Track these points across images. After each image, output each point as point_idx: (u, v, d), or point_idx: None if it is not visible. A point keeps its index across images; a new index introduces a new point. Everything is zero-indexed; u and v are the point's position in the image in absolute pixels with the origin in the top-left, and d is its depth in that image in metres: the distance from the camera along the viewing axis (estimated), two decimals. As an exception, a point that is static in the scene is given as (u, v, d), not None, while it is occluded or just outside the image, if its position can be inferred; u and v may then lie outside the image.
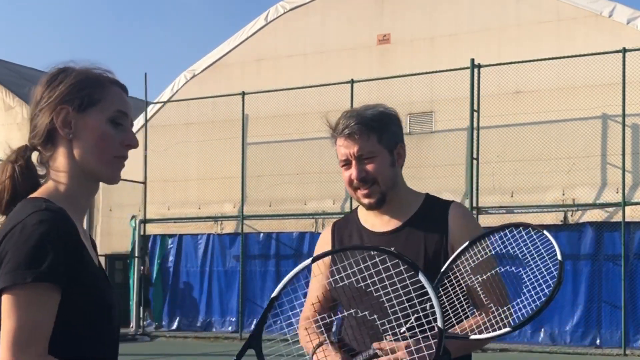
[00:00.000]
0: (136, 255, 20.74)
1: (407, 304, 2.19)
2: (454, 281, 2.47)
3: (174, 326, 20.24)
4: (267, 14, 20.39)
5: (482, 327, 2.42)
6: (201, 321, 19.86)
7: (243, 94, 19.39)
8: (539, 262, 2.43)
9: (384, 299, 2.23)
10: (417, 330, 2.24)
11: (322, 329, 2.55)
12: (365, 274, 2.20)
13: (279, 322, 1.97)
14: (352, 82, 17.92)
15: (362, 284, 2.23)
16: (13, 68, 26.12)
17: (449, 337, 2.38)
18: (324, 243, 2.78)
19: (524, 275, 2.44)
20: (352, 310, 2.47)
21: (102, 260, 21.22)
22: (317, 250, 2.72)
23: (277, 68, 19.96)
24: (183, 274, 20.44)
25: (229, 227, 19.84)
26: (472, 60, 16.60)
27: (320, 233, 3.65)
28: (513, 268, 2.63)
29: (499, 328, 2.40)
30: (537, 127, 16.54)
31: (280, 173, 19.11)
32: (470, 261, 2.48)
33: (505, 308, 2.46)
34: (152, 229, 20.74)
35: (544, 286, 2.37)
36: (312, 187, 18.49)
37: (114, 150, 1.87)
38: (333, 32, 19.41)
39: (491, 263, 2.52)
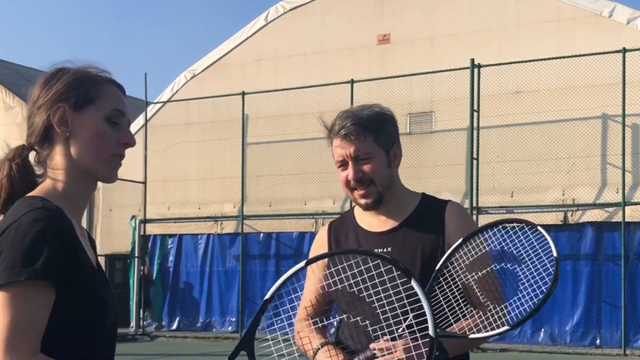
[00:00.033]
0: (136, 255, 20.74)
1: (399, 311, 2.17)
2: (449, 279, 2.47)
3: (174, 326, 20.24)
4: (267, 14, 20.39)
5: (481, 326, 2.41)
6: (201, 321, 19.86)
7: (243, 94, 19.39)
8: (534, 259, 2.43)
9: (376, 304, 2.22)
10: (408, 338, 2.23)
11: (321, 330, 2.55)
12: (359, 278, 2.19)
13: (272, 323, 1.96)
14: (352, 82, 17.92)
15: (354, 289, 2.21)
16: (13, 68, 26.12)
17: (447, 336, 2.38)
18: (321, 243, 2.78)
19: (520, 273, 2.44)
20: (345, 315, 2.46)
21: (102, 260, 21.21)
22: (313, 251, 2.71)
23: (277, 68, 19.96)
24: (183, 274, 20.44)
25: (229, 227, 19.85)
26: (472, 60, 16.60)
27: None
28: (508, 265, 2.63)
29: (497, 326, 2.40)
30: (537, 127, 16.54)
31: (280, 173, 19.11)
32: (465, 258, 2.48)
33: (502, 306, 2.46)
34: (152, 229, 20.74)
35: (540, 283, 2.37)
36: (312, 187, 18.49)
37: (110, 149, 1.87)
38: (333, 32, 19.41)
39: (486, 260, 2.52)
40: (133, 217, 21.02)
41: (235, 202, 19.72)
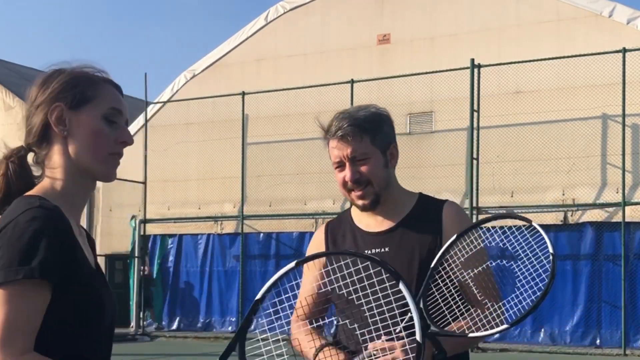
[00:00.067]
0: (136, 255, 20.75)
1: (387, 314, 2.15)
2: (445, 277, 2.46)
3: (174, 326, 20.24)
4: (267, 14, 20.40)
5: (479, 324, 2.41)
6: (201, 321, 19.86)
7: (243, 94, 19.40)
8: (531, 257, 2.43)
9: (364, 307, 2.21)
10: (406, 339, 2.23)
11: (318, 331, 2.55)
12: (348, 280, 2.17)
13: (264, 324, 1.95)
14: (352, 82, 17.92)
15: (344, 290, 2.20)
16: (13, 68, 26.12)
17: (446, 335, 2.38)
18: (318, 243, 2.78)
19: (517, 270, 2.44)
20: (334, 318, 2.46)
21: (102, 260, 21.21)
22: (310, 251, 2.71)
23: (277, 68, 19.96)
24: (183, 274, 20.44)
25: (229, 227, 19.85)
26: (472, 60, 16.60)
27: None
28: (504, 262, 2.63)
29: (496, 325, 2.40)
30: (537, 127, 16.55)
31: (280, 173, 19.11)
32: (460, 255, 2.48)
33: (500, 304, 2.46)
34: (152, 229, 20.74)
35: (537, 280, 2.37)
36: (312, 187, 18.49)
37: (108, 147, 1.88)
38: (333, 32, 19.41)
39: (482, 257, 2.52)
40: (133, 217, 21.02)
41: (235, 202, 19.72)
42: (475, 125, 16.53)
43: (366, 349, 2.25)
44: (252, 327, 1.81)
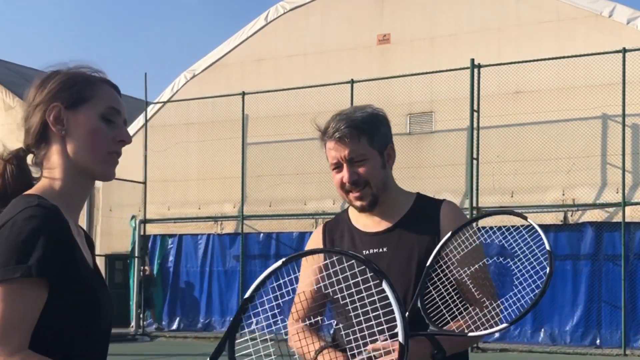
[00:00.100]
0: (136, 255, 20.75)
1: (371, 314, 2.12)
2: (442, 275, 2.46)
3: (174, 326, 20.24)
4: (267, 14, 20.40)
5: (479, 323, 2.41)
6: (201, 321, 19.87)
7: (243, 94, 19.39)
8: (529, 255, 2.43)
9: (349, 307, 2.20)
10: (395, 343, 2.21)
11: (315, 331, 2.54)
12: (334, 279, 2.15)
13: (253, 323, 1.94)
14: (352, 82, 17.92)
15: (330, 290, 2.18)
16: (13, 68, 26.14)
17: (445, 334, 2.38)
18: (315, 244, 2.77)
19: (514, 268, 2.44)
20: (336, 318, 2.45)
21: (102, 260, 21.22)
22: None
23: (277, 68, 19.96)
24: (183, 274, 20.45)
25: (229, 227, 19.85)
26: (472, 60, 16.60)
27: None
28: (501, 259, 2.63)
29: (496, 323, 2.40)
30: (537, 127, 16.55)
31: (280, 173, 19.11)
32: (456, 252, 2.48)
33: (499, 302, 2.46)
34: (152, 229, 20.74)
35: (535, 277, 2.37)
36: (312, 187, 18.49)
37: (106, 146, 1.88)
38: (333, 32, 19.41)
39: (478, 254, 2.51)
40: (133, 217, 21.02)
41: (235, 202, 19.72)
42: (475, 125, 16.53)
43: (366, 350, 2.24)
44: (243, 326, 1.80)
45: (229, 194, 19.80)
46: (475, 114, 16.54)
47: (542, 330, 16.26)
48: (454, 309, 2.46)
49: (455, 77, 16.99)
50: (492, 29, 17.70)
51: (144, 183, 20.38)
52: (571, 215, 16.31)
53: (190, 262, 20.35)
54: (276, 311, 2.01)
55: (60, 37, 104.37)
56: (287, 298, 2.00)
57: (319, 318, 2.60)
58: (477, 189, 16.51)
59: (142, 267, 20.42)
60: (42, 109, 1.87)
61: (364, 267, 1.79)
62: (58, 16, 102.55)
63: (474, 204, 16.36)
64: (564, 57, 15.89)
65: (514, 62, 16.29)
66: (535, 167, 16.47)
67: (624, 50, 15.45)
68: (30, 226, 1.70)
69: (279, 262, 1.82)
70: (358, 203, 2.63)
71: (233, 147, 19.53)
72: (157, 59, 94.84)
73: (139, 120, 21.11)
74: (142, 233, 20.63)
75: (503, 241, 2.49)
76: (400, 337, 1.71)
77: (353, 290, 2.10)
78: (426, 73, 17.17)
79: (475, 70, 16.61)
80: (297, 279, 2.02)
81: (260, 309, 1.91)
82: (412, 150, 16.62)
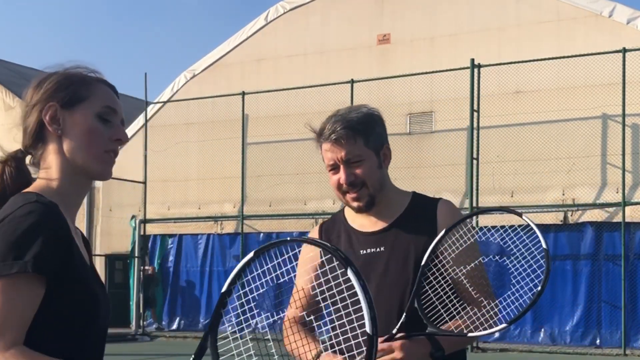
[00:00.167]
0: (136, 255, 20.75)
1: (339, 305, 2.04)
2: (438, 274, 2.46)
3: (174, 326, 20.25)
4: (267, 14, 20.40)
5: (477, 323, 2.41)
6: (201, 321, 19.87)
7: (243, 94, 19.40)
8: (526, 255, 2.43)
9: (329, 302, 2.18)
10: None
11: (310, 332, 2.53)
12: (333, 274, 2.06)
13: (231, 318, 1.92)
14: (352, 82, 17.92)
15: (325, 286, 2.13)
16: (13, 68, 26.14)
17: (445, 334, 2.38)
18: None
19: (512, 267, 2.44)
20: (333, 318, 2.43)
21: (102, 260, 21.23)
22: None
23: (277, 68, 19.97)
24: (183, 274, 20.45)
25: (229, 227, 19.85)
26: (472, 60, 16.60)
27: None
28: (497, 257, 2.62)
29: (495, 323, 2.39)
30: (537, 127, 16.55)
31: (280, 173, 19.11)
32: (450, 251, 2.48)
33: (497, 302, 2.46)
34: (152, 229, 20.74)
35: (532, 276, 2.37)
36: (312, 187, 18.49)
37: (102, 145, 1.88)
38: (333, 32, 19.42)
39: (473, 252, 2.51)
40: (133, 217, 21.02)
41: (235, 202, 19.72)
42: (475, 125, 16.53)
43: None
44: (223, 322, 1.78)
45: (229, 194, 19.81)
46: (475, 114, 16.55)
47: (542, 330, 16.26)
48: (452, 308, 2.45)
49: (455, 77, 16.99)
50: (492, 29, 17.70)
51: (144, 183, 20.38)
52: (571, 215, 16.31)
53: (190, 262, 20.36)
54: (243, 301, 1.98)
55: (60, 37, 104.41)
56: (261, 290, 1.97)
57: (312, 317, 2.58)
58: (477, 189, 16.51)
59: (144, 267, 20.42)
60: (39, 109, 1.88)
61: (330, 255, 1.69)
62: (58, 16, 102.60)
63: (474, 204, 16.36)
64: (564, 57, 15.89)
65: (514, 62, 16.29)
66: (535, 167, 16.47)
67: (624, 50, 15.45)
68: (28, 222, 1.71)
69: (251, 254, 1.79)
70: (355, 204, 2.63)
71: (233, 147, 19.53)
72: (157, 59, 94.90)
73: (139, 120, 21.11)
74: (142, 233, 20.63)
75: (500, 241, 2.49)
76: (367, 328, 1.54)
77: (343, 287, 2.05)
78: (426, 73, 17.17)
79: (475, 70, 16.61)
80: (270, 269, 1.97)
81: (237, 303, 1.88)
82: (412, 150, 16.62)
